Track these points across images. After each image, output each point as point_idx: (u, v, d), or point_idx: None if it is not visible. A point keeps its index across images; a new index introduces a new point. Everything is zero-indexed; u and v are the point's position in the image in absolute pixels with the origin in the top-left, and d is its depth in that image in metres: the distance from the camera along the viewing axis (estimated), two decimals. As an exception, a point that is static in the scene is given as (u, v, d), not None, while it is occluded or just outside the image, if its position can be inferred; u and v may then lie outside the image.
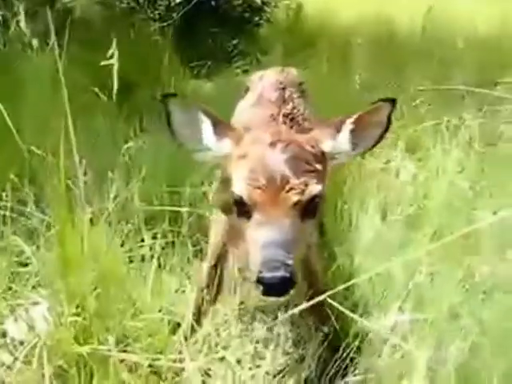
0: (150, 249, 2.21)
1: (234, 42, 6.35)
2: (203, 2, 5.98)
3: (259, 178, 1.46)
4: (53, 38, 2.04)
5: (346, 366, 1.89)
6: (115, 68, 2.09)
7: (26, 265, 2.25)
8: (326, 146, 1.61)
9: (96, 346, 1.75)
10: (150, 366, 1.80)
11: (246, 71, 5.47)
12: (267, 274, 1.35)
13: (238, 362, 2.00)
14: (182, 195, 2.57)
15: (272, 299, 1.42)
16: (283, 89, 2.24)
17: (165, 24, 5.46)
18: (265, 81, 2.37)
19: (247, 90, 2.44)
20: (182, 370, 1.83)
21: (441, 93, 3.34)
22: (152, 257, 2.18)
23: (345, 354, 1.85)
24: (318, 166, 1.53)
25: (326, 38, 6.39)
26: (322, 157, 1.59)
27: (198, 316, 2.09)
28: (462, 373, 1.68)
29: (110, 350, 1.72)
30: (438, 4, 6.11)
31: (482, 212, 2.42)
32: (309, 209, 1.48)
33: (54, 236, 2.01)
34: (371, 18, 6.97)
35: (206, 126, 1.61)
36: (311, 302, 1.51)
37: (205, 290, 2.07)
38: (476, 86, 3.20)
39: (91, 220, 2.03)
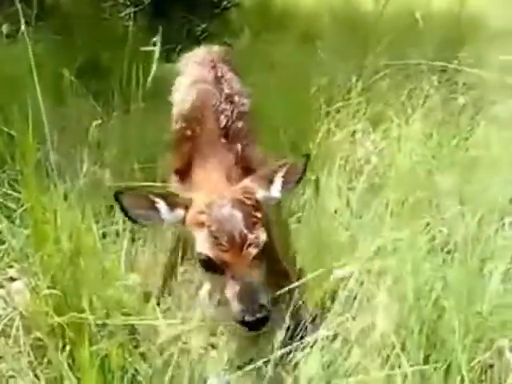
0: (124, 222, 2.27)
1: (204, 25, 6.38)
2: None
3: (222, 242, 1.70)
4: (23, 22, 2.10)
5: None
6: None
7: (4, 242, 2.28)
8: (260, 195, 1.86)
9: (73, 314, 1.81)
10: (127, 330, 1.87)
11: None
12: (249, 318, 1.63)
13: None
14: (154, 171, 2.62)
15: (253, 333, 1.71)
16: (214, 67, 2.46)
17: (136, 9, 5.52)
18: (195, 61, 2.60)
19: (178, 73, 2.66)
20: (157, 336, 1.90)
21: (402, 67, 3.43)
22: (124, 230, 2.25)
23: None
24: (259, 215, 1.80)
25: (293, 19, 6.54)
26: (259, 205, 1.84)
27: (169, 277, 2.30)
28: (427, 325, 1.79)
29: (86, 319, 1.78)
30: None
31: (441, 177, 2.52)
32: (262, 255, 1.75)
33: (27, 212, 2.06)
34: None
35: (159, 204, 1.83)
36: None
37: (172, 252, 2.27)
38: (435, 60, 3.31)
39: (64, 197, 2.08)
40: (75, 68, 3.10)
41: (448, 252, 2.12)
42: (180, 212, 1.85)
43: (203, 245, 1.74)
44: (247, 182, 1.91)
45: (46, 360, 1.88)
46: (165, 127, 2.69)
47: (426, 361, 1.73)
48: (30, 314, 1.94)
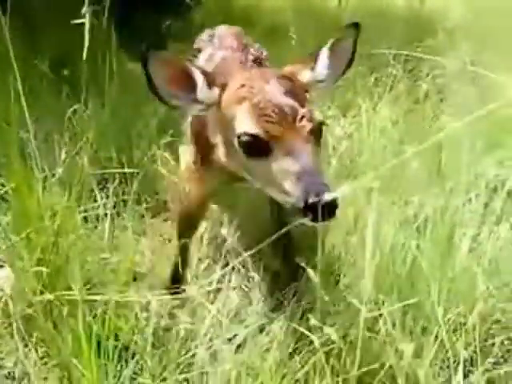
0: (104, 206, 2.30)
1: (168, 23, 6.41)
2: None
3: (271, 114, 1.44)
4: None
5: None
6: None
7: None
8: (304, 76, 1.65)
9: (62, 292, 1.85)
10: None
11: (181, 51, 5.55)
12: (315, 199, 1.32)
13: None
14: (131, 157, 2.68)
15: (321, 224, 1.38)
16: (239, 37, 2.30)
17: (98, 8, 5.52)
18: (219, 34, 2.39)
19: (199, 50, 2.40)
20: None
21: (369, 56, 3.55)
22: (106, 215, 2.29)
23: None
24: (307, 96, 1.58)
25: (257, 14, 6.64)
26: (305, 87, 1.63)
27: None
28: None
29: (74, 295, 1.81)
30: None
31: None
32: (319, 135, 1.51)
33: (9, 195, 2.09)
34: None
35: (198, 77, 1.58)
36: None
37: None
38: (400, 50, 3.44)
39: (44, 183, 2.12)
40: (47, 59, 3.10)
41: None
42: (216, 91, 1.60)
43: (246, 122, 1.48)
44: (289, 67, 1.68)
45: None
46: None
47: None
48: (17, 293, 1.96)
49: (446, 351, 1.69)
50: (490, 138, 2.80)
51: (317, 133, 1.49)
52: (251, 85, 1.52)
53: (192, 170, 1.98)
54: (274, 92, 1.49)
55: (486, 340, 1.88)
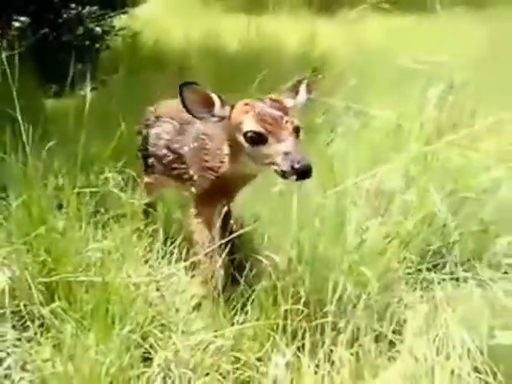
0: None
1: (80, 66, 6.83)
2: (47, 34, 6.55)
3: (267, 119, 2.16)
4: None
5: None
6: None
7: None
8: (289, 104, 2.33)
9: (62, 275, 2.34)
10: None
11: (94, 88, 5.95)
12: (298, 165, 2.03)
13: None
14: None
15: (302, 181, 2.08)
16: None
17: (14, 52, 5.90)
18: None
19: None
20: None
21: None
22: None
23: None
24: (290, 113, 2.24)
25: (161, 61, 7.26)
26: (288, 108, 2.28)
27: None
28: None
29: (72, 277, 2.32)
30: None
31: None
32: (298, 132, 2.19)
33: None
34: (200, 41, 7.96)
35: (216, 100, 2.31)
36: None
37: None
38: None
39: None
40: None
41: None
42: (227, 109, 2.31)
43: (250, 124, 2.19)
44: (276, 95, 2.35)
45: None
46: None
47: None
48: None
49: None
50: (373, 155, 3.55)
51: (297, 131, 2.19)
52: (253, 104, 2.25)
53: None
54: (268, 107, 2.22)
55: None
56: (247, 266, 2.45)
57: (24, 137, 2.61)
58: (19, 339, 2.33)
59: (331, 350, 2.21)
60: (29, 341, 2.33)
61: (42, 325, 2.36)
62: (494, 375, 2.11)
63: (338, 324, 2.26)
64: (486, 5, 7.87)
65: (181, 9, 11.77)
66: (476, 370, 2.16)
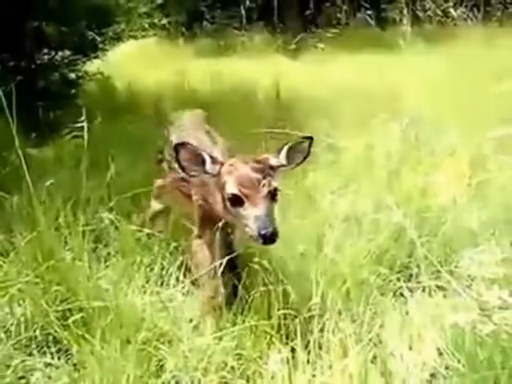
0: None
1: (58, 113, 6.98)
2: (22, 81, 6.61)
3: (245, 183, 2.36)
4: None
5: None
6: None
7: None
8: (272, 162, 2.52)
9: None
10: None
11: (75, 137, 6.18)
12: (264, 231, 2.25)
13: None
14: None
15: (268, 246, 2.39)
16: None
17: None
18: (188, 118, 3.35)
19: (171, 123, 3.39)
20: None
21: (246, 135, 4.38)
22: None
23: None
24: (271, 173, 2.46)
25: (137, 103, 7.61)
26: (271, 168, 2.49)
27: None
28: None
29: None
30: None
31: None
32: (274, 195, 2.40)
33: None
34: (170, 81, 8.39)
35: (207, 159, 2.51)
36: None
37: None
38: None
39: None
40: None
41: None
42: (217, 166, 2.49)
43: (231, 186, 2.38)
44: (265, 154, 2.56)
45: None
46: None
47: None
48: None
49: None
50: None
51: (273, 194, 2.39)
52: (236, 165, 2.46)
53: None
54: (249, 169, 2.41)
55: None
56: (243, 274, 2.73)
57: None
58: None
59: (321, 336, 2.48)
60: (46, 366, 2.58)
61: (58, 350, 2.62)
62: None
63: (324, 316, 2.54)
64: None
65: (152, 52, 12.26)
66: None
